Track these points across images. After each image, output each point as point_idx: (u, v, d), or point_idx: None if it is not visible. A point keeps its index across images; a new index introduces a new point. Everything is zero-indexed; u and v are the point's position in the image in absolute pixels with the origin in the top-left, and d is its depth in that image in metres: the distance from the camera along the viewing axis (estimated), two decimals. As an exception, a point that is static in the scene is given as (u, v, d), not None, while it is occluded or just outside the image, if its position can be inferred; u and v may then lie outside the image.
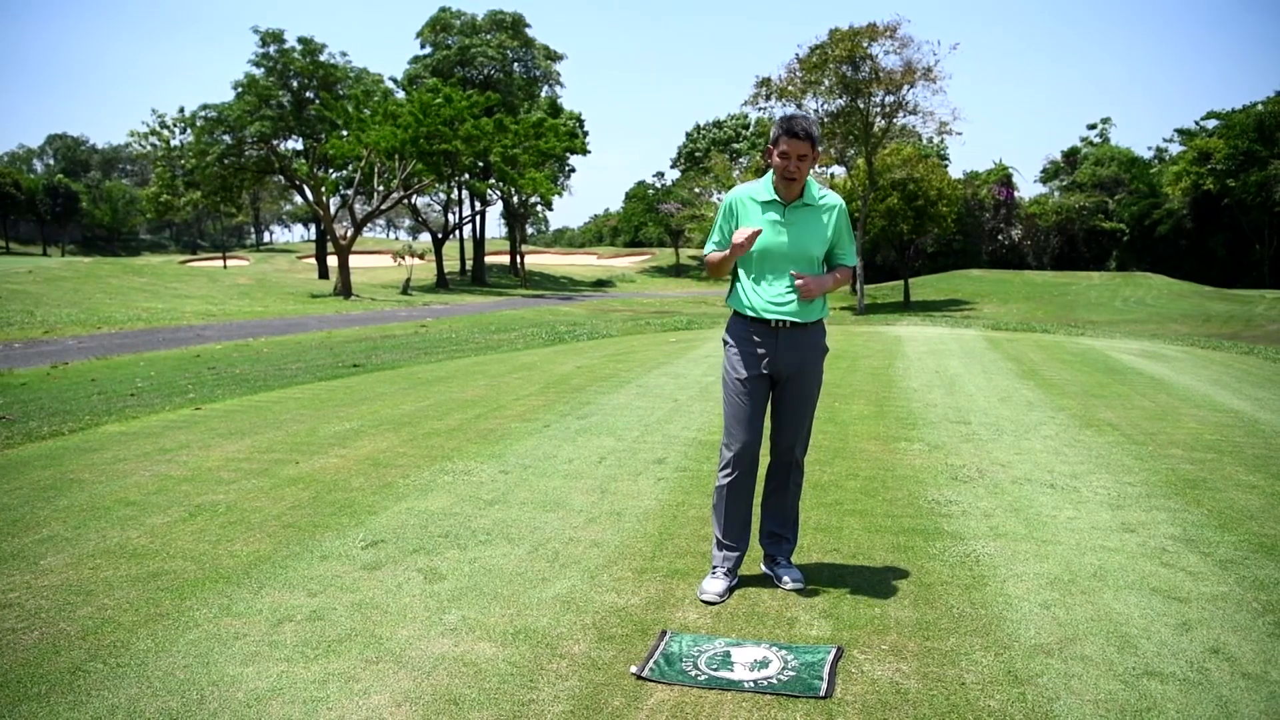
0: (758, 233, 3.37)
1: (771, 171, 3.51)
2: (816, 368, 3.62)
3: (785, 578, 3.60)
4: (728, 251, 3.47)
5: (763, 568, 3.75)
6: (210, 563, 3.88)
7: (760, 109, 39.51)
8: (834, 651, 2.96)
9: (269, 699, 2.69)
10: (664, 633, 3.13)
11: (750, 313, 3.53)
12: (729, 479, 3.60)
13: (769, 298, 3.50)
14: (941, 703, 2.65)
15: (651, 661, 2.89)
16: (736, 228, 3.50)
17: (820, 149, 3.43)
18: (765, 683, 2.76)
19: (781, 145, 3.40)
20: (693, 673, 2.82)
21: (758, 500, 3.76)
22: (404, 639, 3.09)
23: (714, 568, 3.61)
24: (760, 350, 3.52)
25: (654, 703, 2.67)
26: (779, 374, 3.55)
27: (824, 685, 2.73)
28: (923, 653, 2.98)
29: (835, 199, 3.56)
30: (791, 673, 2.82)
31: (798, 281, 3.44)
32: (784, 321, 3.49)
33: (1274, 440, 6.46)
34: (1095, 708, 2.62)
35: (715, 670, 2.84)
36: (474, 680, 2.79)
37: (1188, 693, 2.70)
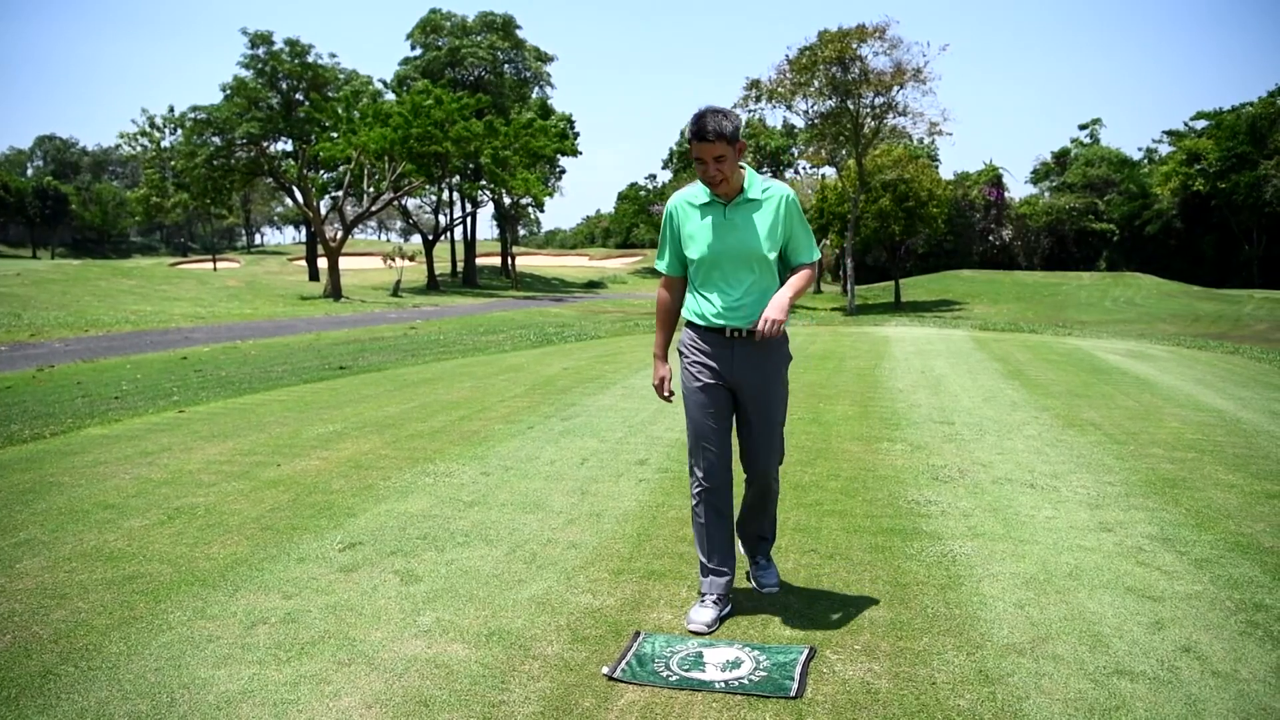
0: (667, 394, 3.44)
1: (697, 183, 3.29)
2: (778, 378, 3.35)
3: (763, 581, 3.54)
4: (656, 354, 3.47)
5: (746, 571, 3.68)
6: (186, 565, 3.86)
7: (750, 110, 39.59)
8: (806, 652, 2.96)
9: (239, 701, 2.68)
10: (637, 633, 3.12)
11: (701, 321, 3.29)
12: (700, 500, 3.35)
13: (720, 305, 3.24)
14: (911, 702, 2.66)
15: (624, 662, 2.89)
16: (678, 236, 3.32)
17: (742, 141, 3.13)
18: (736, 683, 2.76)
19: (693, 151, 3.12)
20: (664, 673, 2.82)
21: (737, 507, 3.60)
22: (377, 641, 3.09)
23: (702, 595, 3.33)
24: (714, 362, 3.28)
25: (624, 703, 2.67)
26: (737, 387, 3.29)
27: (795, 685, 2.73)
28: (895, 653, 2.98)
29: (781, 189, 3.26)
30: (763, 673, 2.82)
31: (760, 327, 3.11)
32: (737, 331, 3.24)
33: (1255, 439, 6.49)
34: (1064, 706, 2.63)
35: (687, 671, 2.84)
36: (445, 682, 2.79)
37: (1157, 691, 2.71)
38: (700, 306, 3.29)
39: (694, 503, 3.39)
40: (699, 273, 3.28)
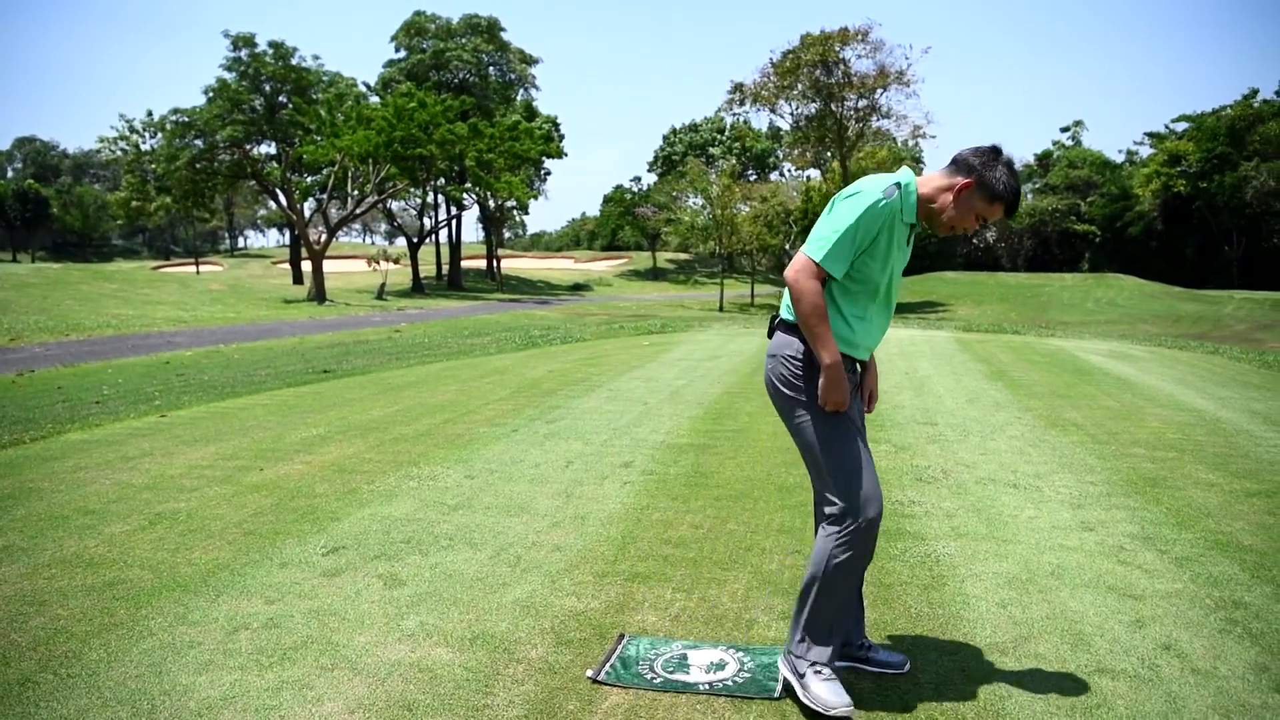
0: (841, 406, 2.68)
1: (909, 190, 2.70)
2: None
3: (892, 662, 2.88)
4: (835, 357, 2.63)
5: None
6: (168, 571, 3.84)
7: (735, 114, 39.71)
8: (790, 653, 2.96)
9: (221, 708, 2.67)
10: (621, 636, 3.12)
11: (853, 353, 2.76)
12: (853, 553, 2.65)
13: (877, 336, 2.84)
14: (894, 702, 2.67)
15: (608, 665, 2.89)
16: (875, 247, 2.66)
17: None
18: (720, 684, 2.76)
19: (995, 212, 2.70)
20: (649, 676, 2.82)
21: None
22: (360, 645, 3.07)
23: (822, 666, 2.69)
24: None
25: (608, 706, 2.66)
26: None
27: (779, 686, 2.74)
28: (878, 653, 2.99)
29: None
30: (747, 674, 2.82)
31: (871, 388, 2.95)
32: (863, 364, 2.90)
33: (1234, 439, 6.55)
34: (1046, 705, 2.64)
35: (671, 673, 2.84)
36: (429, 686, 2.78)
37: (1137, 689, 2.73)
38: (857, 335, 2.75)
39: (838, 558, 2.65)
40: (861, 296, 2.72)
